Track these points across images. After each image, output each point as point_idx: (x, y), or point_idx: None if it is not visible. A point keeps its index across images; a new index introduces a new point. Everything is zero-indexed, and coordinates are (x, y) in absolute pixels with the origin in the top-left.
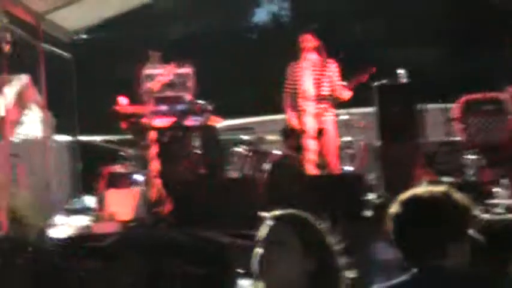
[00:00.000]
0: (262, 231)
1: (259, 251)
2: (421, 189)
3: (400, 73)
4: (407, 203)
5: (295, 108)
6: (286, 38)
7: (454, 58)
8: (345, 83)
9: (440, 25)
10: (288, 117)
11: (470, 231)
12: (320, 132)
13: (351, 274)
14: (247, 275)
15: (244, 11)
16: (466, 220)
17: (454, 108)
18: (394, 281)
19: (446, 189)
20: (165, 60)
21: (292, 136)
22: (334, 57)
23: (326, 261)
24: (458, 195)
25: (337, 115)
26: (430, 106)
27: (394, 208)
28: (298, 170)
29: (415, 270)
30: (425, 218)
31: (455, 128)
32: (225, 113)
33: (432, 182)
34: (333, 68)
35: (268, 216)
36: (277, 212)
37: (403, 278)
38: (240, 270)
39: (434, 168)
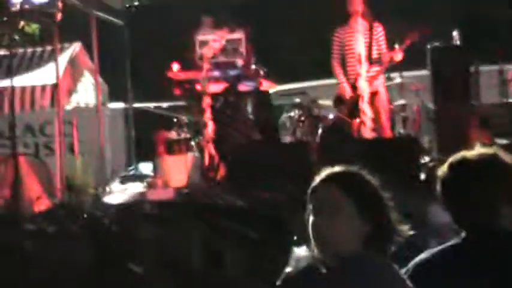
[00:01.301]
0: (312, 196)
1: (309, 216)
2: (470, 151)
3: (454, 34)
4: (455, 166)
5: (346, 72)
6: (339, 2)
7: (509, 18)
8: (396, 46)
9: None
10: (340, 82)
11: None
12: (373, 96)
13: (407, 231)
14: (303, 242)
15: None
16: None
17: (509, 69)
18: (445, 245)
19: (495, 151)
20: (219, 25)
21: (345, 102)
22: (385, 21)
23: (382, 220)
24: (507, 157)
25: (391, 78)
26: (485, 68)
27: (442, 171)
28: (352, 133)
29: (464, 233)
30: (474, 180)
31: (510, 89)
32: (279, 77)
33: (486, 145)
34: (379, 32)
35: (317, 179)
36: (326, 173)
37: (454, 241)
38: (296, 238)
39: (489, 130)
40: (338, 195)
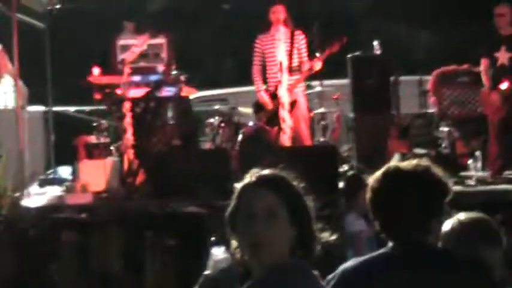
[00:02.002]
0: (242, 199)
1: (237, 219)
2: (404, 162)
3: (374, 45)
4: (389, 175)
5: (266, 80)
6: (262, 8)
7: (430, 30)
8: (317, 54)
9: None
10: (259, 90)
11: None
12: (292, 105)
13: (328, 238)
14: (220, 242)
15: None
16: (446, 196)
17: (429, 80)
18: (373, 254)
19: (429, 164)
20: (141, 31)
21: (264, 110)
22: (307, 29)
23: (306, 226)
24: (438, 170)
25: (312, 87)
26: (405, 78)
27: (375, 180)
28: (271, 141)
29: (391, 244)
30: (407, 191)
31: (429, 100)
32: (200, 83)
33: (405, 155)
34: (301, 40)
35: (247, 181)
36: (257, 176)
37: (382, 251)
38: (212, 239)
39: (407, 140)
40: (274, 199)
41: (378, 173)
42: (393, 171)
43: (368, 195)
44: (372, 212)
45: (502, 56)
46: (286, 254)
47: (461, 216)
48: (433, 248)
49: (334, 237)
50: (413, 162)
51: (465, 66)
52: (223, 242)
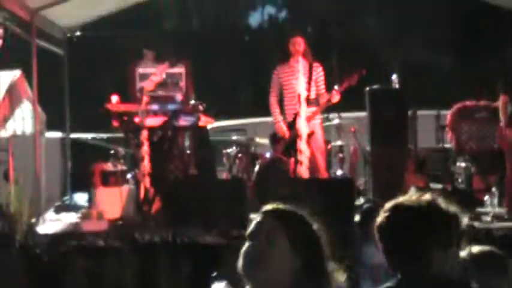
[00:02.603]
0: (250, 227)
1: (245, 247)
2: (407, 197)
3: (393, 78)
4: (392, 212)
5: (283, 111)
6: (281, 40)
7: (449, 65)
8: (335, 87)
9: (438, 31)
10: (277, 120)
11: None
12: (309, 136)
13: (340, 277)
14: (221, 277)
15: (239, 11)
16: (452, 228)
17: (447, 115)
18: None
19: (432, 198)
20: (160, 59)
21: (280, 140)
22: (325, 60)
23: (313, 259)
24: (444, 204)
25: (330, 119)
26: (422, 112)
27: (380, 216)
28: (288, 173)
29: (399, 276)
30: (408, 227)
31: (447, 134)
32: (218, 113)
33: (421, 189)
34: (319, 72)
35: (258, 212)
36: (266, 207)
37: (388, 284)
38: (213, 274)
39: (424, 174)
40: (272, 224)
41: (382, 209)
42: (394, 208)
43: (375, 230)
44: (381, 248)
45: None
46: (288, 285)
47: (473, 248)
48: (436, 276)
49: (344, 277)
50: (416, 197)
51: (484, 101)
52: (225, 276)
